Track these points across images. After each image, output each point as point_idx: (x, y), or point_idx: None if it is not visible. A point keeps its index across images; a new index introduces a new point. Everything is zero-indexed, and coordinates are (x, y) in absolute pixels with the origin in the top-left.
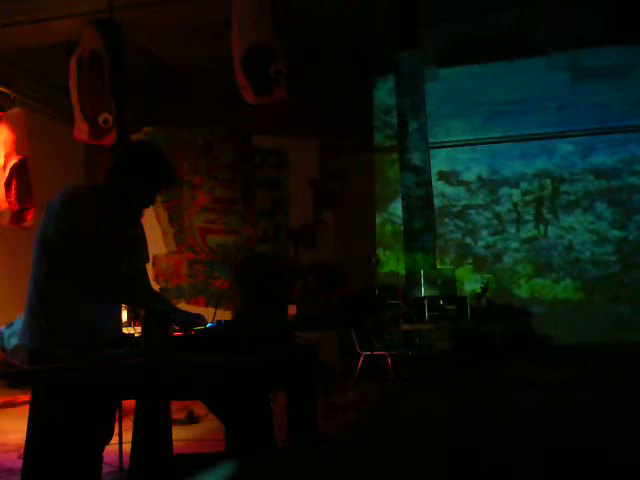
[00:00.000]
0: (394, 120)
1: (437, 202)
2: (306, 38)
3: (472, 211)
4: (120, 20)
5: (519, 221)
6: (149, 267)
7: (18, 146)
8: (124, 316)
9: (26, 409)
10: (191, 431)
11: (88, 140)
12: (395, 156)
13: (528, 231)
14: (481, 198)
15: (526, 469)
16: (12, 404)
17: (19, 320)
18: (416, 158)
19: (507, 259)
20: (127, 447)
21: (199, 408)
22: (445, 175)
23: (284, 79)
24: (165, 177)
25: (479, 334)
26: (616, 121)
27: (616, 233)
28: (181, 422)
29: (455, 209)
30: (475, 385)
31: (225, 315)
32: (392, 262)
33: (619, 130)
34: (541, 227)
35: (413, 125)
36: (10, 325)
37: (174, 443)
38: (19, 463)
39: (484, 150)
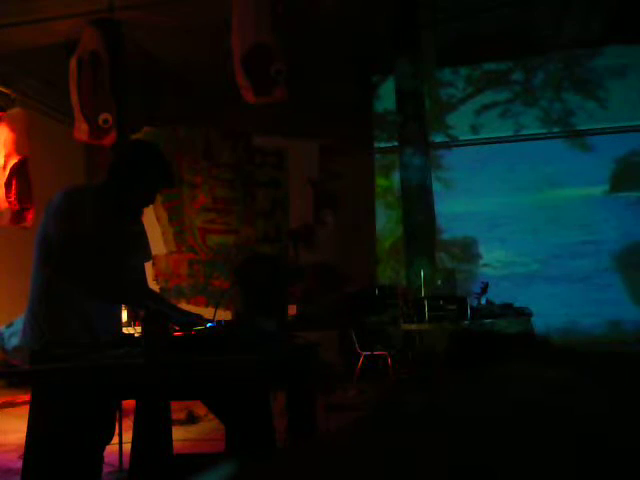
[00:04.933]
0: (394, 120)
1: (437, 201)
2: (306, 38)
3: (472, 209)
4: (120, 20)
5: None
6: (149, 267)
7: (18, 146)
8: (124, 316)
9: (26, 409)
10: (191, 431)
11: (88, 140)
12: (395, 156)
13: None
14: (481, 197)
15: (526, 467)
16: (12, 404)
17: (19, 320)
18: (416, 158)
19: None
20: (127, 447)
21: (199, 408)
22: (445, 174)
23: (284, 79)
24: (164, 176)
25: (479, 334)
26: (616, 121)
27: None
28: (181, 422)
29: (455, 208)
30: (475, 385)
31: (225, 315)
32: (392, 262)
33: (619, 130)
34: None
35: (413, 125)
36: (10, 325)
37: (174, 443)
38: (19, 463)
39: (484, 150)
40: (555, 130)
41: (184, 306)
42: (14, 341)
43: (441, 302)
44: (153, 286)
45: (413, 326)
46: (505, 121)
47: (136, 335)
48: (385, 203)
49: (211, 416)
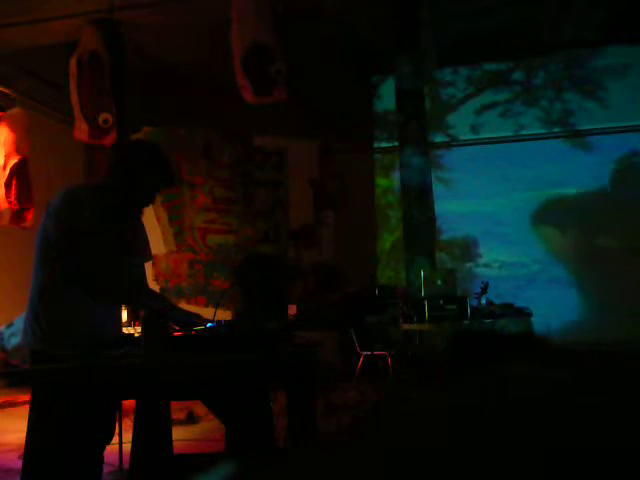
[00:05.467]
0: (394, 120)
1: (437, 201)
2: (306, 38)
3: (472, 209)
4: (120, 20)
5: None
6: (149, 267)
7: (18, 146)
8: (124, 316)
9: (26, 409)
10: (191, 431)
11: (88, 140)
12: (395, 156)
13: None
14: (481, 197)
15: (525, 467)
16: (12, 404)
17: (19, 320)
18: (416, 158)
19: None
20: (127, 447)
21: (199, 408)
22: (445, 174)
23: (284, 79)
24: (164, 176)
25: (479, 334)
26: (616, 121)
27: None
28: (181, 422)
29: (455, 208)
30: (475, 385)
31: (225, 315)
32: (392, 262)
33: (619, 130)
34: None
35: (413, 125)
36: (10, 325)
37: (174, 443)
38: (19, 463)
39: (484, 150)
40: (555, 130)
41: (184, 306)
42: (14, 341)
43: (441, 302)
44: (153, 286)
45: (413, 326)
46: (505, 121)
47: (136, 335)
48: (385, 203)
49: (211, 416)
